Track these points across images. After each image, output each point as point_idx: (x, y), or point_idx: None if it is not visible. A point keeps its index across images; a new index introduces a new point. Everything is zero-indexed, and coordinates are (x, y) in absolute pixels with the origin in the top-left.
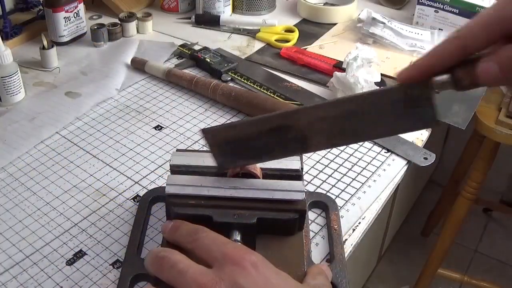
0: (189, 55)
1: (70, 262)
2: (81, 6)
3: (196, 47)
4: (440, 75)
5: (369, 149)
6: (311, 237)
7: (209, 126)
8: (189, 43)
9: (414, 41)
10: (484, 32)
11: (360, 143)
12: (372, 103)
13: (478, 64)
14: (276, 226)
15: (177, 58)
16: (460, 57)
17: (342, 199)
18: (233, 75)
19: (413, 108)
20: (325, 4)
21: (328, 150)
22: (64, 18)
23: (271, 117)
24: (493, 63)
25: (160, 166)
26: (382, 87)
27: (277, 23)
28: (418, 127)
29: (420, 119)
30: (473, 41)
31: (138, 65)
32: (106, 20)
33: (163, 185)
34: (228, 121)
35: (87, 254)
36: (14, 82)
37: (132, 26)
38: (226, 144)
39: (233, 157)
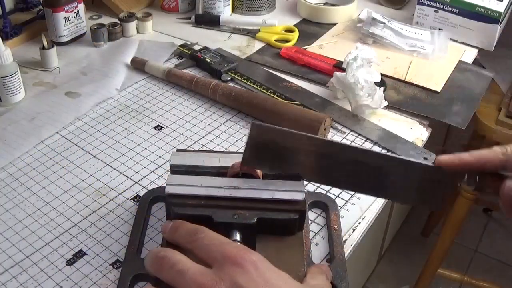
0: (189, 55)
1: (70, 262)
2: (81, 6)
3: (196, 47)
4: (471, 174)
5: (369, 149)
6: (311, 237)
7: (208, 125)
8: (189, 43)
9: (414, 41)
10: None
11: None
12: (405, 169)
13: (507, 179)
14: (276, 226)
15: (177, 58)
16: (496, 170)
17: (342, 199)
18: (233, 75)
19: (431, 188)
20: (325, 4)
21: None
22: (64, 18)
23: (320, 141)
24: None
25: (160, 166)
26: (417, 161)
27: (277, 23)
28: (422, 204)
29: (429, 200)
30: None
31: (138, 65)
32: (106, 20)
33: (163, 185)
34: (228, 121)
35: (87, 254)
36: (14, 82)
37: (132, 26)
38: (264, 145)
39: (261, 160)
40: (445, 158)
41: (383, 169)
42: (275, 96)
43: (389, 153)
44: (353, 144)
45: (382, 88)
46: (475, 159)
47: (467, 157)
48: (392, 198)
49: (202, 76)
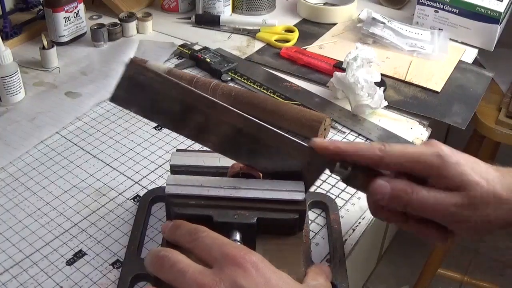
0: (189, 55)
1: (70, 262)
2: (81, 6)
3: (196, 47)
4: (345, 164)
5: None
6: (311, 237)
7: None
8: (189, 43)
9: (414, 41)
10: (400, 161)
11: None
12: (280, 142)
13: (377, 179)
14: (276, 226)
15: (177, 58)
16: (370, 164)
17: (342, 199)
18: (233, 75)
19: (303, 171)
20: (325, 4)
21: None
22: (64, 18)
23: (201, 96)
24: (388, 185)
25: (160, 166)
26: (296, 138)
27: (277, 23)
28: (292, 186)
29: (299, 181)
30: (389, 160)
31: None
32: (106, 20)
33: (163, 185)
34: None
35: (87, 254)
36: (14, 82)
37: (132, 26)
38: (138, 86)
39: (132, 99)
40: (320, 141)
41: (257, 138)
42: (275, 96)
43: (266, 125)
44: (232, 108)
45: (382, 88)
46: (352, 149)
47: (344, 146)
48: (262, 169)
49: (202, 76)
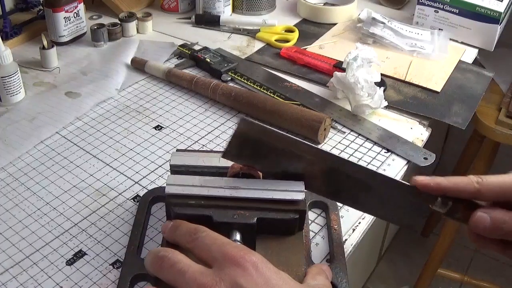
0: (189, 55)
1: (70, 262)
2: (81, 6)
3: (196, 47)
4: (445, 199)
5: (369, 149)
6: (311, 237)
7: (208, 125)
8: (189, 43)
9: (414, 41)
10: (498, 193)
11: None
12: (386, 186)
13: (477, 211)
14: (276, 226)
15: (177, 58)
16: (469, 197)
17: None
18: (233, 75)
19: (408, 208)
20: (325, 4)
21: (329, 150)
22: (64, 18)
23: (303, 144)
24: (489, 218)
25: (160, 166)
26: (398, 180)
27: (277, 23)
28: (401, 224)
29: (407, 221)
30: (487, 192)
31: (138, 65)
32: (106, 20)
33: (163, 185)
34: (228, 121)
35: (87, 254)
36: (14, 82)
37: (132, 26)
38: (250, 142)
39: (243, 155)
40: (421, 179)
41: (363, 182)
42: (275, 96)
43: (371, 168)
44: (338, 154)
45: (382, 88)
46: (451, 184)
47: (443, 182)
48: (369, 212)
49: (202, 76)
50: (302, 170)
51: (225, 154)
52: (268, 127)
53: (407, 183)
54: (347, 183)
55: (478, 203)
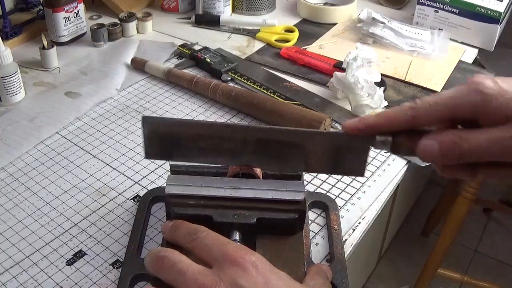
0: (189, 55)
1: (70, 262)
2: (81, 6)
3: (196, 47)
4: (383, 135)
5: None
6: (311, 237)
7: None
8: (189, 43)
9: (414, 41)
10: (435, 111)
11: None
12: (316, 142)
13: (422, 139)
14: (276, 226)
15: (177, 58)
16: (408, 127)
17: (342, 199)
18: (233, 75)
19: (347, 156)
20: (325, 4)
21: None
22: (64, 18)
23: (221, 125)
24: (435, 142)
25: (160, 166)
26: (328, 131)
27: (277, 23)
28: (345, 173)
29: (350, 167)
30: (424, 115)
31: (138, 65)
32: (106, 20)
33: (163, 185)
34: (228, 121)
35: (87, 254)
36: (14, 82)
37: (132, 26)
38: (162, 137)
39: (162, 150)
40: (350, 123)
41: (294, 144)
42: (275, 96)
43: (296, 128)
44: (251, 124)
45: (382, 88)
46: (381, 120)
47: (372, 120)
48: (309, 170)
49: (202, 76)
50: (227, 151)
51: (147, 155)
52: (171, 118)
53: (339, 131)
54: (278, 150)
55: (425, 130)
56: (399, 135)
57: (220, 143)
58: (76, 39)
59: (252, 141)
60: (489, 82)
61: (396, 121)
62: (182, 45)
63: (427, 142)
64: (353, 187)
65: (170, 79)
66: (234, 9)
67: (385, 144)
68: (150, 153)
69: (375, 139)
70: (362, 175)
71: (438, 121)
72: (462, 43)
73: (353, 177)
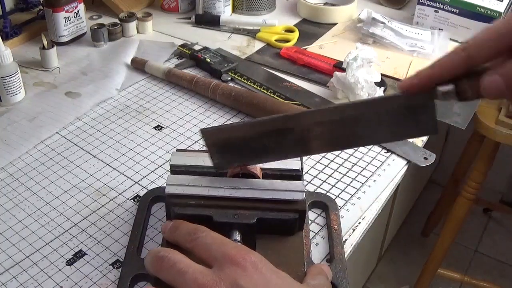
0: (189, 55)
1: (70, 262)
2: (81, 6)
3: (196, 47)
4: (444, 85)
5: (369, 149)
6: (311, 237)
7: (208, 126)
8: (189, 43)
9: (414, 41)
10: (490, 44)
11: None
12: (373, 110)
13: (483, 76)
14: (276, 226)
15: (177, 58)
16: (465, 68)
17: (342, 199)
18: (233, 75)
19: (414, 116)
20: (325, 4)
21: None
22: (64, 18)
23: (272, 119)
24: (498, 76)
25: (160, 166)
26: (384, 95)
27: (277, 23)
28: (417, 135)
29: (421, 127)
30: (478, 51)
31: (138, 65)
32: (106, 20)
33: (163, 185)
34: (228, 121)
35: (87, 254)
36: (14, 82)
37: (132, 26)
38: (225, 145)
39: (230, 157)
40: (405, 81)
41: (356, 118)
42: (275, 96)
43: (353, 101)
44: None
45: (382, 88)
46: (437, 68)
47: (427, 71)
48: (376, 142)
49: (202, 76)
50: (291, 141)
51: (217, 167)
52: (227, 125)
53: (395, 95)
54: (336, 129)
55: (483, 68)
56: (461, 80)
57: (282, 136)
58: (76, 39)
59: (312, 126)
60: None
61: (452, 65)
62: (182, 45)
63: (489, 78)
64: (353, 187)
65: (170, 79)
66: (234, 9)
67: (449, 95)
68: (218, 163)
69: (436, 91)
70: (435, 132)
71: (496, 54)
72: (462, 43)
73: (427, 136)
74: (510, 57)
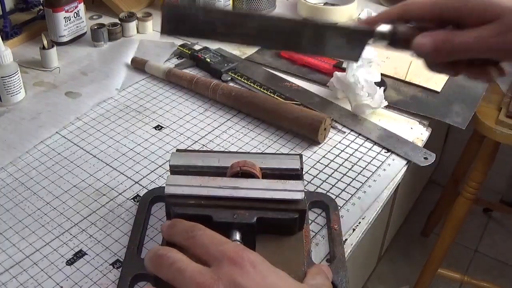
0: (189, 55)
1: (70, 262)
2: (81, 6)
3: (196, 47)
4: (383, 27)
5: (369, 149)
6: (311, 237)
7: (208, 125)
8: (189, 43)
9: None
10: (424, 6)
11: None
12: (327, 30)
13: (418, 35)
14: (276, 226)
15: (177, 58)
16: (401, 17)
17: (342, 199)
18: (233, 75)
19: (350, 45)
20: (325, 4)
21: (329, 150)
22: (64, 18)
23: (233, 13)
24: (429, 38)
25: (160, 166)
26: (339, 23)
27: None
28: (344, 58)
29: (349, 53)
30: (415, 8)
31: (138, 65)
32: (106, 20)
33: (163, 185)
34: (228, 121)
35: (87, 254)
36: (14, 82)
37: (132, 26)
38: (180, 18)
39: (180, 29)
40: (367, 19)
41: (311, 32)
42: (275, 96)
43: (297, 18)
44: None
45: (382, 88)
46: (380, 15)
47: (373, 16)
48: (314, 53)
49: (202, 76)
50: (240, 35)
51: (162, 30)
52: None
53: (349, 25)
54: (288, 35)
55: (421, 29)
56: (398, 26)
57: (233, 27)
58: (76, 39)
59: (269, 27)
60: None
61: (389, 14)
62: (182, 45)
63: (422, 38)
64: (353, 187)
65: (170, 79)
66: (234, 9)
67: (384, 35)
68: (166, 29)
69: (375, 30)
70: (356, 60)
71: (429, 16)
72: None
73: (348, 61)
74: (438, 25)
